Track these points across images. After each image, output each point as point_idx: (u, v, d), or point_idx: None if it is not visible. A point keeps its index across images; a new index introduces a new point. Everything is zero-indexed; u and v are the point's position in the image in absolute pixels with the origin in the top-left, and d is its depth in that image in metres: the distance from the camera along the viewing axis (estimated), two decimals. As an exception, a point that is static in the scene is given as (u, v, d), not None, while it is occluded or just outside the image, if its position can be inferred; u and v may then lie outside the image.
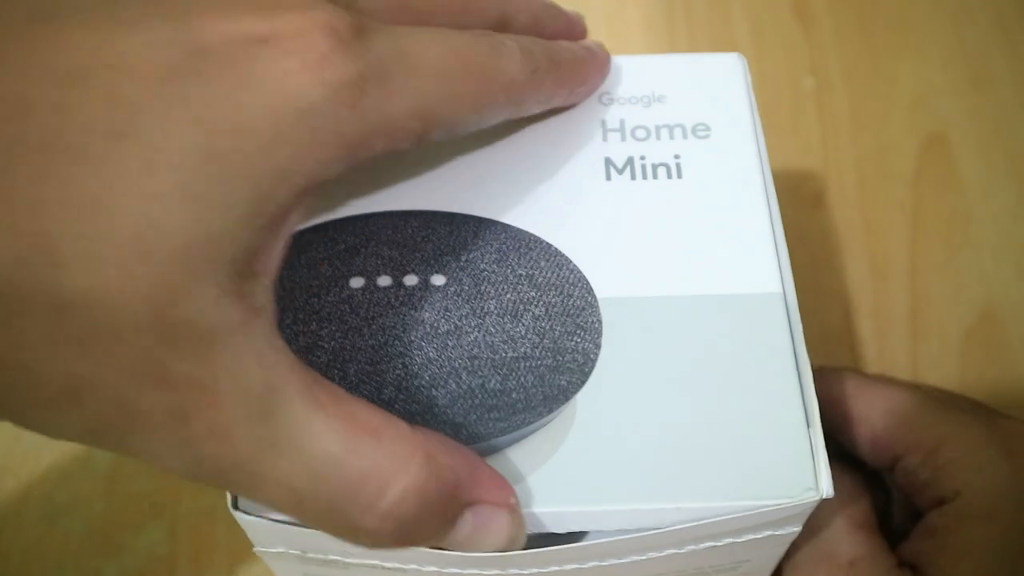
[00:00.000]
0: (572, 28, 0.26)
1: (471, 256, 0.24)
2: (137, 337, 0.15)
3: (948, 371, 0.36)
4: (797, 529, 0.23)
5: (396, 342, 0.23)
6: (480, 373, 0.22)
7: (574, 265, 0.24)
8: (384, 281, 0.24)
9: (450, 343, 0.23)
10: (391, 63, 0.18)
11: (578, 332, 0.23)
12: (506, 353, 0.23)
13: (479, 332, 0.23)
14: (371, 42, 0.18)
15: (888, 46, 0.44)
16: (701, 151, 0.26)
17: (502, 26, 0.24)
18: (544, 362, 0.23)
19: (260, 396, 0.17)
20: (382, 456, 0.18)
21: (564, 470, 0.21)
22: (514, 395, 0.22)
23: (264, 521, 0.21)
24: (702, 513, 0.21)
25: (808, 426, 0.22)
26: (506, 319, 0.23)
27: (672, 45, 0.44)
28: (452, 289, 0.23)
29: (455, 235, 0.24)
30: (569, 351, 0.23)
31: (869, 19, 0.44)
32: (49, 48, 0.15)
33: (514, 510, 0.20)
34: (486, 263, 0.24)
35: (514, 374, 0.22)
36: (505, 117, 0.23)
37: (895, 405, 0.29)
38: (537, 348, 0.23)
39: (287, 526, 0.22)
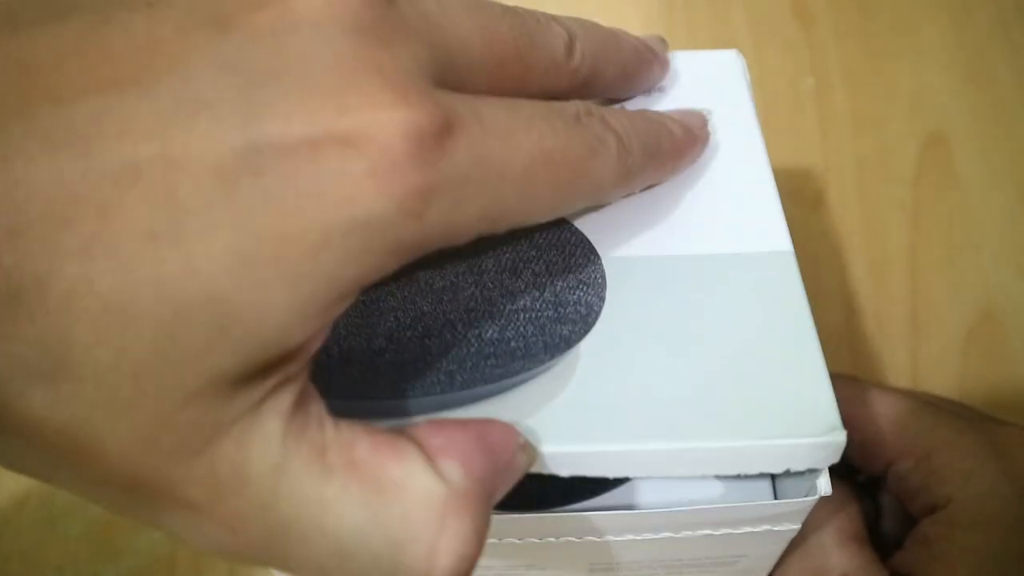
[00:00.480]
0: (655, 66, 0.26)
1: None
2: (138, 450, 0.15)
3: (948, 371, 0.36)
4: (796, 527, 0.23)
5: (388, 297, 0.22)
6: (477, 324, 0.22)
7: (575, 227, 0.24)
8: None
9: (445, 297, 0.22)
10: (470, 170, 0.17)
11: (580, 287, 0.23)
12: (504, 306, 0.22)
13: (476, 287, 0.23)
14: (455, 144, 0.17)
15: (888, 46, 0.44)
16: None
17: (592, 81, 0.23)
18: (545, 313, 0.22)
19: (266, 481, 0.16)
20: (413, 519, 0.17)
21: (568, 412, 0.21)
22: (512, 344, 0.22)
23: None
24: (720, 453, 0.20)
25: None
26: (504, 275, 0.23)
27: (672, 45, 0.44)
28: (447, 249, 0.23)
29: None
30: (571, 303, 0.22)
31: (869, 19, 0.44)
32: (114, 133, 0.14)
33: (523, 447, 0.20)
34: None
35: (513, 324, 0.22)
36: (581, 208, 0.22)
37: (888, 410, 0.29)
38: (537, 301, 0.22)
39: None
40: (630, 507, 0.25)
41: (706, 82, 0.27)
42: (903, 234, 0.39)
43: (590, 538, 0.23)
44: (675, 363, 0.21)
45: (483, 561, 0.24)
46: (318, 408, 0.17)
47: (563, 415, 0.21)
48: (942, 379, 0.36)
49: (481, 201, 0.17)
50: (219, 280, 0.15)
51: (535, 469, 0.20)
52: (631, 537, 0.23)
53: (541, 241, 0.23)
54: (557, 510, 0.24)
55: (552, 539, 0.23)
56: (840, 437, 0.20)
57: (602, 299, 0.22)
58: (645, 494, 0.26)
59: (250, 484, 0.16)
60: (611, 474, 0.21)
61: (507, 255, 0.23)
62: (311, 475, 0.16)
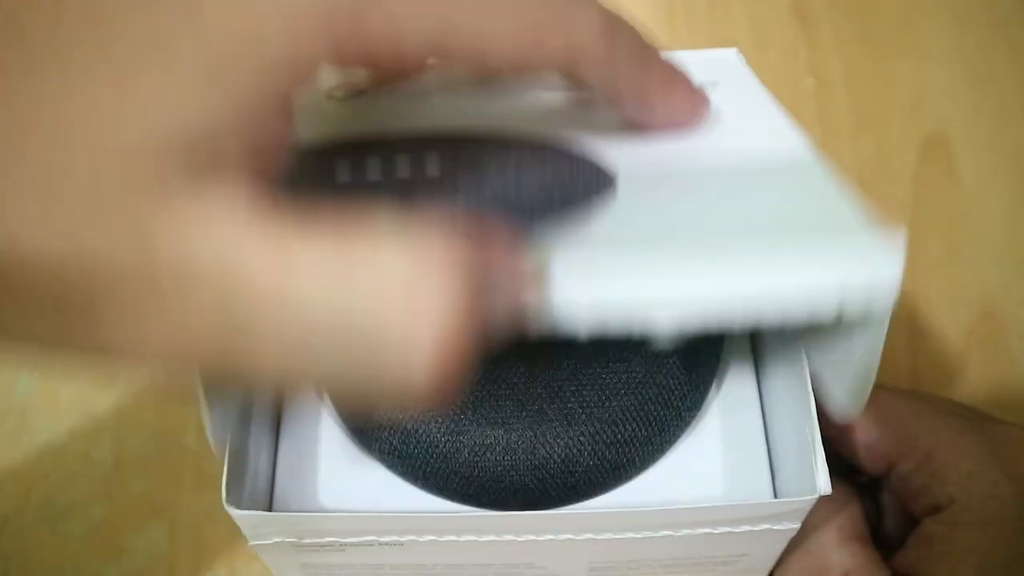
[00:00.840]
0: (665, 74, 0.23)
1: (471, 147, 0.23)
2: (66, 237, 0.14)
3: (948, 371, 0.36)
4: (795, 526, 0.23)
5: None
6: (484, 198, 0.22)
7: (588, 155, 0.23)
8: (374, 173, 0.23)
9: (446, 192, 0.22)
10: None
11: (596, 178, 0.22)
12: (521, 191, 0.22)
13: (484, 186, 0.22)
14: None
15: (888, 46, 0.44)
16: (713, 95, 0.25)
17: (569, 62, 0.20)
18: (562, 193, 0.22)
19: (218, 259, 0.15)
20: (385, 281, 0.15)
21: (594, 254, 0.19)
22: (527, 202, 0.21)
23: (256, 513, 0.22)
24: (769, 285, 0.18)
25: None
26: (511, 175, 0.22)
27: (672, 45, 0.44)
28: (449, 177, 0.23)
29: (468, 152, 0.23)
30: (590, 192, 0.21)
31: (869, 19, 0.44)
32: None
33: (534, 278, 0.18)
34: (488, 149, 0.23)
35: (527, 192, 0.21)
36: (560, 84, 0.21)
37: (889, 411, 0.29)
38: (552, 194, 0.22)
39: (280, 514, 0.23)
40: (629, 505, 0.25)
41: (708, 71, 0.27)
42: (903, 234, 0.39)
43: (588, 536, 0.23)
44: (710, 213, 0.20)
45: (482, 559, 0.24)
46: (277, 198, 0.16)
47: (589, 257, 0.19)
48: (942, 379, 0.36)
49: (431, 13, 0.17)
50: (156, 69, 0.15)
51: (559, 321, 0.18)
52: (630, 535, 0.23)
53: (552, 170, 0.23)
54: (557, 508, 0.24)
55: (551, 536, 0.23)
56: (898, 259, 0.18)
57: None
58: (645, 493, 0.26)
59: (200, 266, 0.15)
60: (639, 324, 0.19)
61: (526, 175, 0.23)
62: (266, 244, 0.15)
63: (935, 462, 0.28)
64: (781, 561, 0.27)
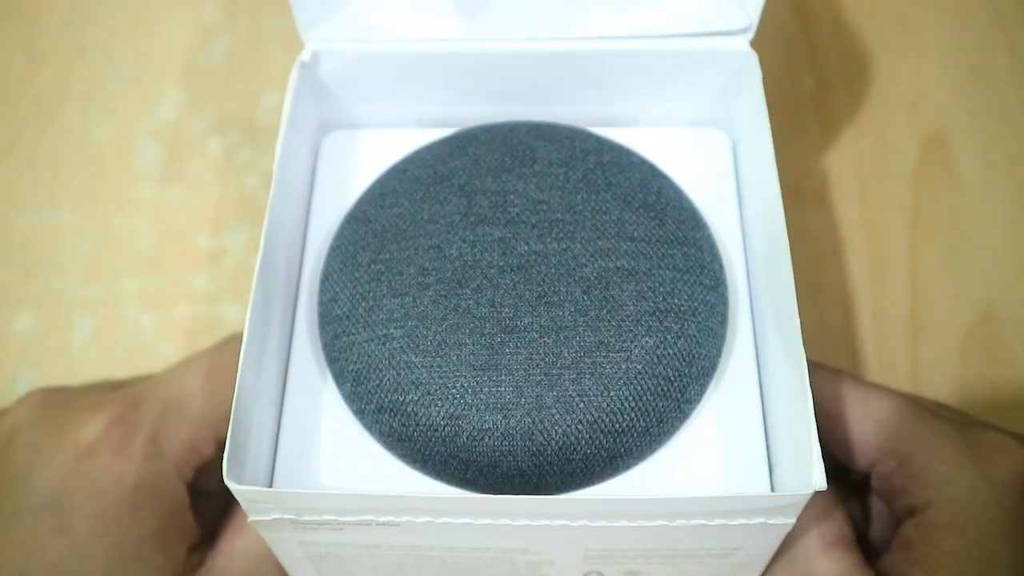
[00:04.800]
0: None
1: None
2: None
3: (948, 371, 0.36)
4: (790, 521, 0.23)
5: None
6: None
7: None
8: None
9: None
10: None
11: None
12: None
13: None
14: None
15: (888, 46, 0.44)
16: None
17: None
18: None
19: None
20: None
21: None
22: None
23: (255, 488, 0.22)
24: None
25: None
26: None
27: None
28: None
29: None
30: None
31: (869, 19, 0.44)
32: None
33: None
34: None
35: None
36: None
37: (875, 410, 0.29)
38: None
39: (278, 490, 0.23)
40: (626, 494, 0.25)
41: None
42: (903, 234, 0.39)
43: (584, 523, 0.23)
44: None
45: (478, 543, 0.24)
46: None
47: None
48: (942, 379, 0.36)
49: None
50: None
51: None
52: (625, 524, 0.23)
53: None
54: (553, 497, 0.24)
55: (546, 521, 0.23)
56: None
57: None
58: (642, 483, 0.26)
59: None
60: None
61: None
62: None
63: (915, 464, 0.28)
64: (767, 571, 0.27)
